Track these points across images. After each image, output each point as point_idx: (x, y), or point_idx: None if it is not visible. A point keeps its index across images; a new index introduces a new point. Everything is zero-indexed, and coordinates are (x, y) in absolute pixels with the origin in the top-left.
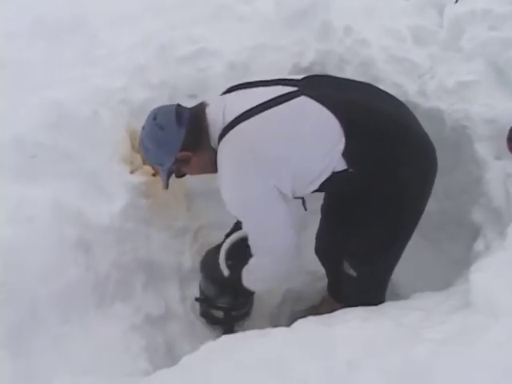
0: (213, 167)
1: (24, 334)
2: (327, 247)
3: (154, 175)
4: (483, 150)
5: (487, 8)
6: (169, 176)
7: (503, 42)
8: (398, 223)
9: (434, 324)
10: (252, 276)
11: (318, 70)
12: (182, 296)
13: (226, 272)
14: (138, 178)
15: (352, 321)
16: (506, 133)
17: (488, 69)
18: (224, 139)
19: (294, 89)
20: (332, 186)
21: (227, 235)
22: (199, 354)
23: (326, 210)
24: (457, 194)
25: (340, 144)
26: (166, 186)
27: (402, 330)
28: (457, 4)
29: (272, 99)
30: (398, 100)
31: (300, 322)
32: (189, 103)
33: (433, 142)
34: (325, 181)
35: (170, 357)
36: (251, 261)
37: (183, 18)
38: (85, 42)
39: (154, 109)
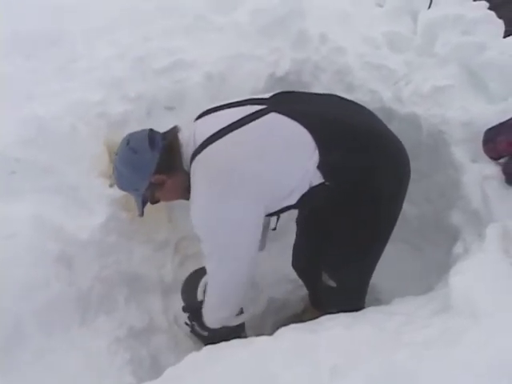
0: (186, 192)
1: (8, 350)
2: (305, 261)
3: None
4: (460, 153)
5: (459, 13)
6: (144, 203)
7: (476, 46)
8: (374, 230)
9: (416, 328)
10: (211, 303)
11: (293, 79)
12: (164, 308)
13: (200, 296)
14: (118, 192)
15: (335, 327)
16: (482, 136)
17: (462, 73)
18: (195, 161)
19: (263, 107)
20: (310, 201)
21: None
22: (183, 366)
23: (301, 222)
24: (435, 197)
25: (314, 157)
26: (142, 214)
27: (384, 335)
28: (430, 10)
29: (241, 119)
30: (366, 109)
31: (283, 330)
32: (167, 115)
33: (410, 147)
34: (302, 196)
35: (154, 369)
36: (209, 293)
37: (160, 29)
38: (62, 56)
39: (127, 135)
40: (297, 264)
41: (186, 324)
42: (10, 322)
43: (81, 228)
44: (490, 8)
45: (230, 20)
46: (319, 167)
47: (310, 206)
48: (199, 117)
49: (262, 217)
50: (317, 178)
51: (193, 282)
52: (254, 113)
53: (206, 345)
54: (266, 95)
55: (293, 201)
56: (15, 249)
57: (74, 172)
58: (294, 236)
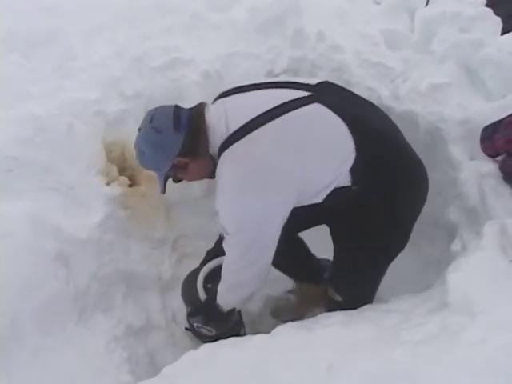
0: (210, 173)
1: (5, 349)
2: (291, 259)
3: (130, 186)
4: (457, 151)
5: (457, 10)
6: (165, 181)
7: (474, 44)
8: (386, 247)
9: (413, 326)
10: (228, 285)
11: (291, 77)
12: (162, 306)
13: (202, 296)
14: (116, 190)
15: (332, 325)
16: (479, 133)
17: (460, 70)
18: (229, 150)
19: (307, 94)
20: (332, 201)
21: (203, 262)
22: (180, 364)
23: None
24: (433, 195)
25: (350, 159)
26: (163, 191)
27: (382, 333)
28: (427, 7)
29: (281, 105)
30: (391, 120)
31: (280, 328)
32: None
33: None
34: (327, 196)
35: (152, 367)
36: (227, 274)
37: (157, 28)
38: (59, 55)
39: (151, 110)
40: (281, 263)
41: (187, 329)
42: (6, 321)
43: (78, 226)
44: (487, 5)
45: (227, 18)
46: (351, 170)
47: (330, 205)
48: (227, 94)
49: (288, 212)
50: (345, 180)
51: (191, 282)
52: (296, 99)
53: (204, 342)
54: (313, 81)
55: (319, 199)
56: (12, 248)
57: (71, 170)
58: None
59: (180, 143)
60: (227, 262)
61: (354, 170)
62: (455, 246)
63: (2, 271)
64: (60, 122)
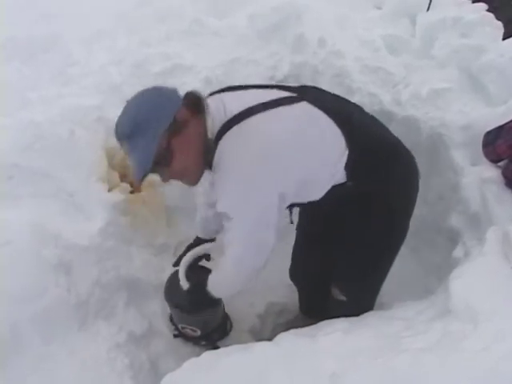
0: (199, 160)
1: (6, 357)
2: (311, 273)
3: (132, 192)
4: (459, 156)
5: (458, 15)
6: (153, 161)
7: (475, 49)
8: (388, 241)
9: (415, 333)
10: (225, 274)
11: (292, 83)
12: (164, 313)
13: (185, 285)
14: (117, 196)
15: (335, 333)
16: (482, 138)
17: (461, 76)
18: (232, 130)
19: (294, 94)
20: (328, 199)
21: (181, 255)
22: (182, 371)
23: (307, 233)
24: (435, 200)
25: (344, 155)
26: (142, 179)
27: (384, 341)
28: (428, 12)
29: (275, 100)
30: (375, 118)
31: (282, 335)
32: None
33: (409, 150)
34: (326, 193)
35: (154, 374)
36: (226, 259)
37: (157, 34)
38: (59, 61)
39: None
40: (298, 276)
41: (175, 336)
42: (7, 329)
43: (79, 233)
44: (488, 10)
45: (227, 24)
46: (346, 167)
47: (328, 203)
48: (217, 92)
49: (287, 203)
50: (341, 177)
51: (176, 282)
52: (286, 97)
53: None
54: (292, 84)
55: (317, 196)
56: (13, 255)
57: (72, 177)
58: (294, 240)
59: (180, 103)
60: (233, 248)
61: (347, 167)
62: (457, 252)
63: (3, 278)
64: (60, 128)
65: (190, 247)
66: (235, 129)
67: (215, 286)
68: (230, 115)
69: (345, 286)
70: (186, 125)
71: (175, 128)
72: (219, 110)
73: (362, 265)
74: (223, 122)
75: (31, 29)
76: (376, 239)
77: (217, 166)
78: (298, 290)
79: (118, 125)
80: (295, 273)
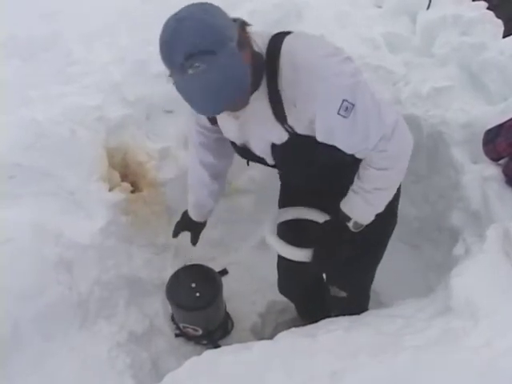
0: (254, 83)
1: (7, 355)
2: (302, 281)
3: (133, 192)
4: (460, 154)
5: (458, 13)
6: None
7: (475, 47)
8: (384, 229)
9: (416, 331)
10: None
11: None
12: (165, 312)
13: (275, 241)
14: (118, 196)
15: (335, 331)
16: (482, 136)
17: (461, 74)
18: (288, 37)
19: None
20: (330, 181)
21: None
22: (183, 370)
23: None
24: (435, 198)
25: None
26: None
27: (384, 339)
28: (428, 10)
29: None
30: None
31: (283, 334)
32: (166, 119)
33: None
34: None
35: (155, 373)
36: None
37: (158, 33)
38: (60, 60)
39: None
40: (289, 289)
41: (177, 335)
42: (8, 327)
43: (80, 232)
44: (488, 8)
45: None
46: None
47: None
48: None
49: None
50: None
51: (178, 282)
52: None
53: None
54: None
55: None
56: (14, 253)
57: (73, 176)
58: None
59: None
60: (385, 129)
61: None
62: (458, 249)
63: (4, 277)
64: (61, 127)
65: (178, 224)
66: (289, 38)
67: (389, 176)
68: (269, 35)
69: (343, 282)
70: (248, 39)
71: (240, 44)
72: (256, 33)
73: (361, 260)
74: (270, 36)
75: (32, 27)
76: (373, 232)
77: (293, 74)
78: (292, 301)
79: (180, 42)
80: (285, 285)
